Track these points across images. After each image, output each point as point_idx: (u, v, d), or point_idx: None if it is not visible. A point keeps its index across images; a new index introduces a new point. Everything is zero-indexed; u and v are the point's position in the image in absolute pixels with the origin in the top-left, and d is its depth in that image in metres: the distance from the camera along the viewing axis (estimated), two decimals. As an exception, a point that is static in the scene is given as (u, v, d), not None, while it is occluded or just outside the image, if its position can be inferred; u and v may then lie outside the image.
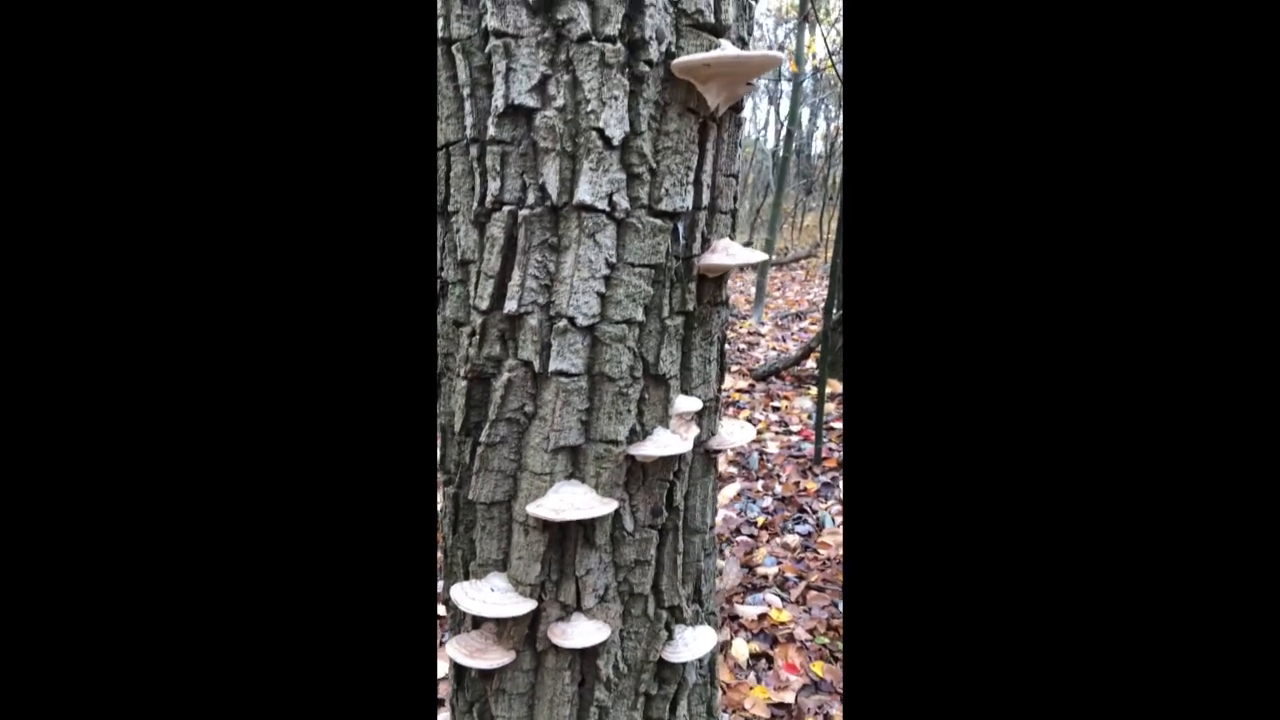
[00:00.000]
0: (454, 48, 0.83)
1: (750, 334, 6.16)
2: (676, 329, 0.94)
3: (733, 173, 0.98)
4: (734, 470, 3.49)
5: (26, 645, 0.57)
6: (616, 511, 0.97)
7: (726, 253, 0.95)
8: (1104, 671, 0.58)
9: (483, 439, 0.93)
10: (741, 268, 1.01)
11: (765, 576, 2.62)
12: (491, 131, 0.82)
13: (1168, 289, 0.57)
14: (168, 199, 0.60)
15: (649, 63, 0.81)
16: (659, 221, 0.87)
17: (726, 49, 0.85)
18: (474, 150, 0.85)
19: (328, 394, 0.64)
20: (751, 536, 2.95)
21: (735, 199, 1.01)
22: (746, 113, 1.00)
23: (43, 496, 0.58)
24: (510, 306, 0.86)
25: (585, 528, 0.95)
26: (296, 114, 0.62)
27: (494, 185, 0.84)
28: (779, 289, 8.73)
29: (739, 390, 4.60)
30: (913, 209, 0.63)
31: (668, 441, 0.96)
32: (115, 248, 0.60)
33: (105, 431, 0.60)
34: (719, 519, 3.18)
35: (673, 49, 0.83)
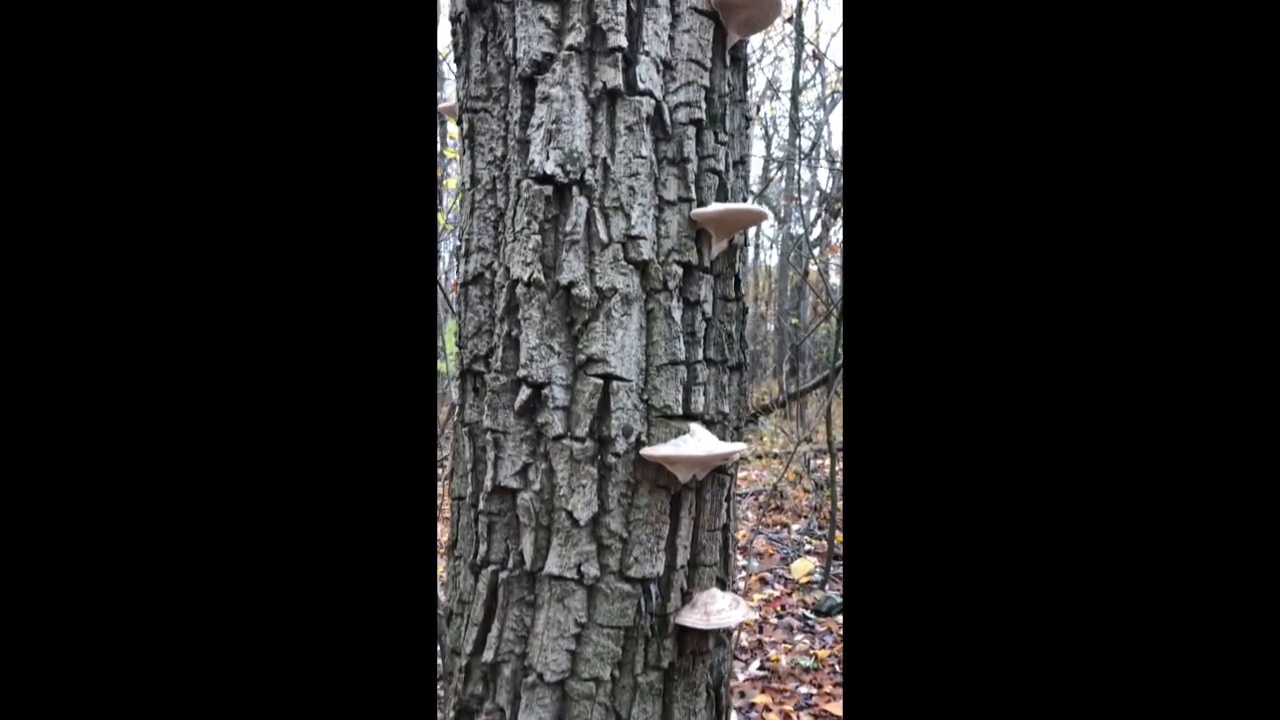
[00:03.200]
0: (463, 430, 1.00)
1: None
2: (651, 685, 0.96)
3: (719, 527, 1.02)
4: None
5: (24, 645, 0.58)
6: None
7: (705, 611, 0.96)
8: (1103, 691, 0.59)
9: (463, 770, 0.97)
10: (718, 630, 1.01)
11: None
12: (482, 505, 0.95)
13: (1160, 330, 0.59)
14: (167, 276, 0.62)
15: (616, 454, 0.91)
16: (627, 587, 0.92)
17: (695, 435, 0.93)
18: (473, 512, 0.98)
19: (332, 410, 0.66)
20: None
21: (727, 548, 1.04)
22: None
23: (43, 500, 0.58)
24: (488, 656, 0.94)
25: None
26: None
27: (484, 547, 0.96)
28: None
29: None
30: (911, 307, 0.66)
31: (636, 804, 0.94)
32: (113, 259, 0.61)
33: (108, 439, 0.60)
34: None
35: (643, 438, 0.93)
